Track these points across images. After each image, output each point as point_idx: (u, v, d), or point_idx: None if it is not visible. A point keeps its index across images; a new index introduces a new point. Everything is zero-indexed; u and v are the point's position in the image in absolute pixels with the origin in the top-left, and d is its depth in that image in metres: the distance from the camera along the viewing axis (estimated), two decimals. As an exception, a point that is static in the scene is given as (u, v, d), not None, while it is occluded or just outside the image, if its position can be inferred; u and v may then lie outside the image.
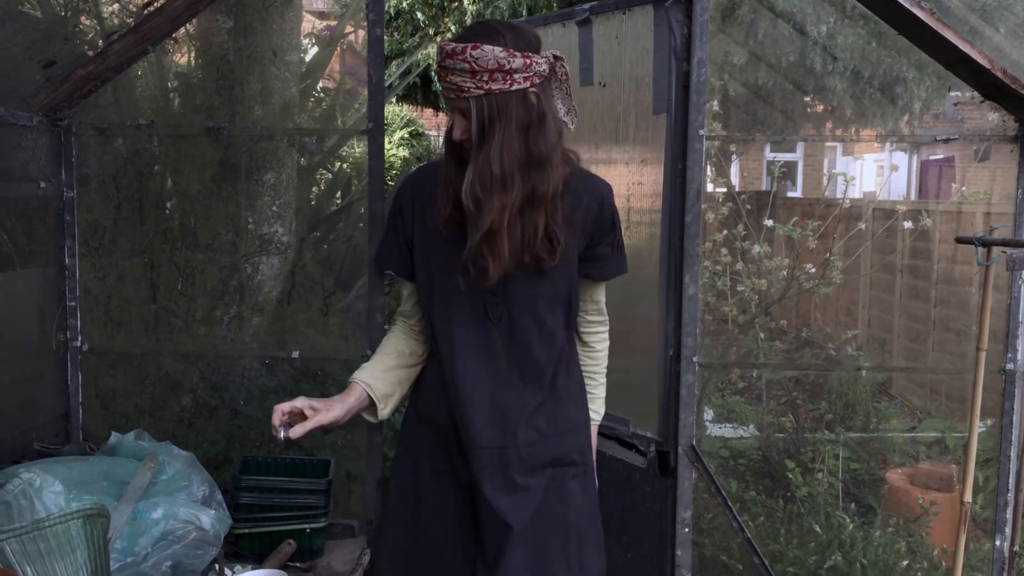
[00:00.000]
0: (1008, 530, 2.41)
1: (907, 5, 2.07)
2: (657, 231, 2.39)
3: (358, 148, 5.52)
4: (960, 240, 1.76)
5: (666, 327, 2.34)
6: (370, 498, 2.50)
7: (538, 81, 1.73)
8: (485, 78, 1.69)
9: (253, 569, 2.07)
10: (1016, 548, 2.10)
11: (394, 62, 8.44)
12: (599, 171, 2.06)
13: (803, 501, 4.06)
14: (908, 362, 6.38)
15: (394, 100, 10.49)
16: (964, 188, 6.74)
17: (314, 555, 2.22)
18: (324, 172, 4.98)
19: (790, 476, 4.18)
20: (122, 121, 2.38)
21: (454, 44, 1.71)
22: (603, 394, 2.03)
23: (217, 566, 2.00)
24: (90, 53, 2.21)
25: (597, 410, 2.01)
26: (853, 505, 3.96)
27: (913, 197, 13.56)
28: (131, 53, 2.19)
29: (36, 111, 2.19)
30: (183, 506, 2.05)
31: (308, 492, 2.22)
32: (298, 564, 2.17)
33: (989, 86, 2.17)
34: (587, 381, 1.99)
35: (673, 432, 2.40)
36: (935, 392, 5.89)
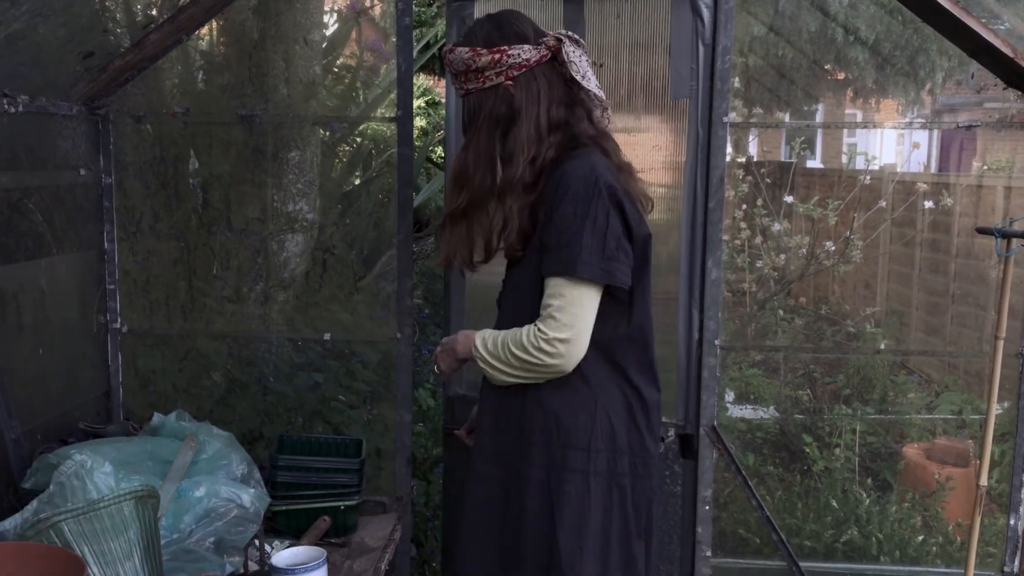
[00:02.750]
0: (1022, 509, 2.47)
1: (932, -6, 2.09)
2: (674, 219, 2.42)
3: (378, 123, 5.53)
4: (981, 231, 1.80)
5: (690, 311, 2.39)
6: (399, 475, 2.58)
7: (515, 73, 1.75)
8: (462, 79, 1.79)
9: (291, 545, 2.15)
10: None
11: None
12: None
13: (820, 476, 4.12)
14: (927, 335, 6.39)
15: (412, 70, 10.44)
16: (985, 166, 6.70)
17: (348, 531, 2.31)
18: (345, 147, 5.03)
19: (807, 450, 4.24)
20: (156, 108, 2.44)
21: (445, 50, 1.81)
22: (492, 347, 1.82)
23: (257, 541, 2.09)
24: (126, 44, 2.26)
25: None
26: (870, 480, 4.01)
27: (933, 169, 13.41)
28: (167, 43, 2.24)
29: (75, 101, 2.25)
30: (224, 484, 2.13)
31: (342, 471, 2.30)
32: (333, 540, 2.25)
33: (1012, 74, 2.19)
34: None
35: (695, 414, 2.45)
36: (952, 366, 5.91)
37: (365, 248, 4.62)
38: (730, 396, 3.56)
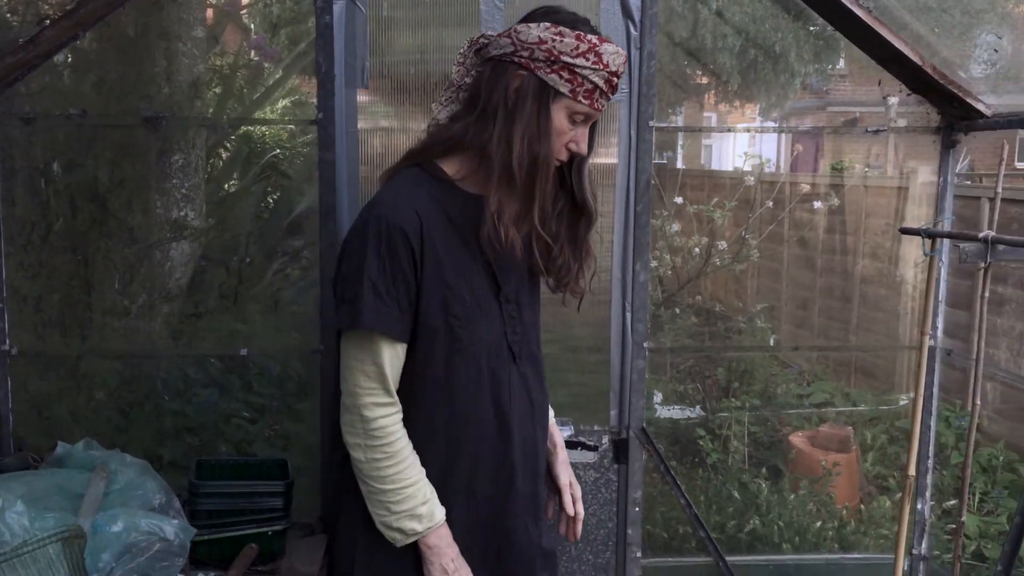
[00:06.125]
0: (928, 494, 2.61)
1: (847, 3, 2.17)
2: (607, 223, 2.43)
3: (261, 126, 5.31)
4: (905, 231, 1.89)
5: (623, 314, 2.40)
6: (326, 495, 2.46)
7: None
8: None
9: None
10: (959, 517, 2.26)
11: (283, 31, 8.12)
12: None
13: (715, 468, 4.25)
14: (796, 328, 6.72)
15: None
16: (832, 165, 7.11)
17: (275, 557, 2.18)
18: (221, 151, 4.80)
19: (701, 444, 4.37)
20: (48, 110, 2.23)
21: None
22: None
23: (184, 576, 1.94)
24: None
25: None
26: (764, 469, 4.18)
27: (783, 170, 14.14)
28: (62, 39, 2.04)
29: (-44, 101, 2.03)
30: (143, 516, 1.96)
31: (269, 495, 2.17)
32: (260, 568, 2.13)
33: (919, 81, 2.31)
34: None
35: (627, 417, 2.47)
36: (823, 357, 6.25)
37: (249, 256, 4.42)
38: (658, 397, 3.62)
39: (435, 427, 1.63)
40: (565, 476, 1.85)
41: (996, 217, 1.88)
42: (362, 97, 2.33)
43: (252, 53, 4.48)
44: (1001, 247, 1.65)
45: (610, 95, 1.58)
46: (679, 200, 4.46)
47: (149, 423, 3.03)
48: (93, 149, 2.65)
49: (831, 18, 2.31)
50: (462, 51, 1.67)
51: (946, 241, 2.21)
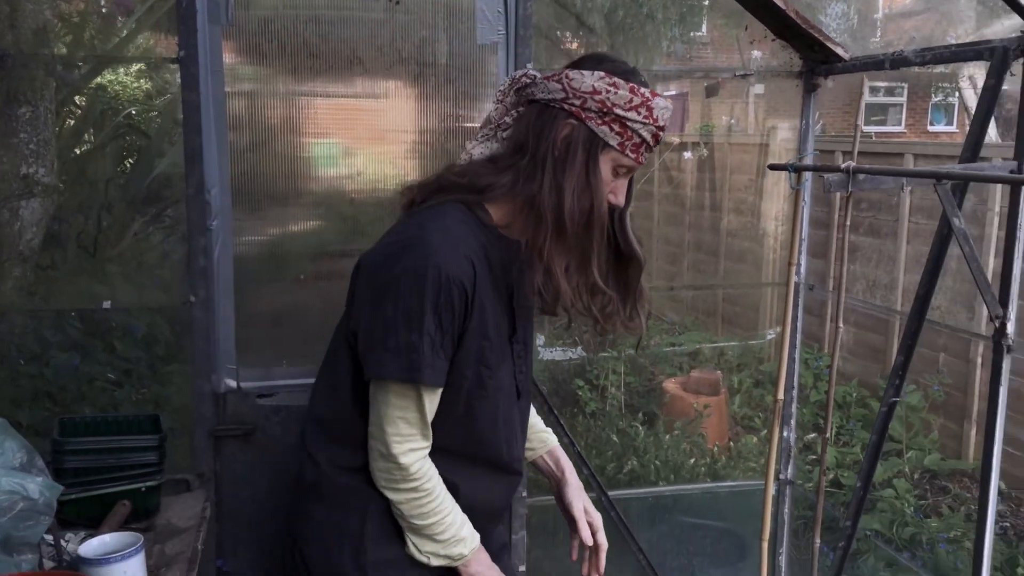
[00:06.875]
0: (793, 423, 2.76)
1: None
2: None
3: (114, 75, 5.03)
4: (773, 167, 1.96)
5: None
6: (200, 450, 2.38)
7: None
8: None
9: (88, 536, 1.92)
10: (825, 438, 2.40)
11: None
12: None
13: (594, 416, 4.37)
14: (668, 282, 6.94)
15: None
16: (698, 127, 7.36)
17: (150, 514, 2.10)
18: (72, 107, 4.53)
19: (580, 393, 4.47)
20: None
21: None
22: None
23: (51, 536, 1.84)
24: None
25: None
26: (640, 415, 4.32)
27: (652, 130, 14.55)
28: None
29: None
30: (3, 475, 1.84)
31: (141, 450, 2.08)
32: (135, 525, 2.03)
33: (782, 26, 2.40)
34: None
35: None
36: (692, 307, 6.49)
37: (109, 217, 4.20)
38: (540, 340, 3.66)
39: (448, 462, 1.62)
40: (579, 503, 1.82)
41: (856, 153, 1.98)
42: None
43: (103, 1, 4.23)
44: (861, 176, 1.74)
45: (653, 148, 1.57)
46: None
47: (3, 387, 2.85)
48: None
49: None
50: (502, 88, 1.64)
51: (809, 179, 2.32)
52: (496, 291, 1.59)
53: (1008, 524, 3.90)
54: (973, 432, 4.73)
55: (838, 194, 1.75)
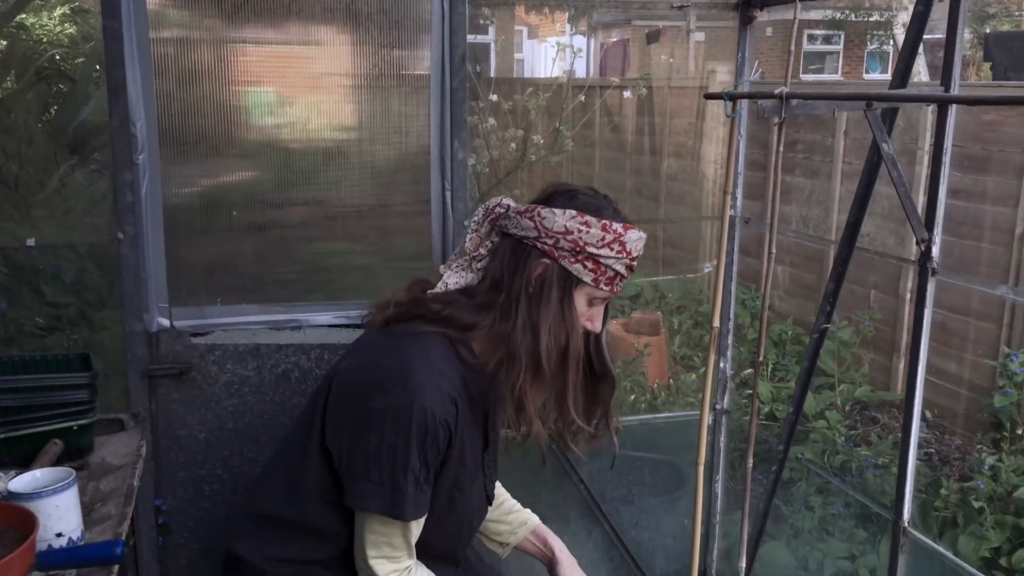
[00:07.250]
0: (729, 354, 2.82)
1: None
2: (423, 99, 2.38)
3: (36, 18, 4.85)
4: (709, 96, 1.97)
5: (443, 194, 2.38)
6: (135, 389, 2.34)
7: None
8: None
9: (21, 473, 1.88)
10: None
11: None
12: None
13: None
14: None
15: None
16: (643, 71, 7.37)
17: (83, 453, 2.06)
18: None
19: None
20: None
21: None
22: None
23: (-21, 476, 1.80)
24: None
25: None
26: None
27: (593, 76, 14.51)
28: None
29: None
30: (-74, 416, 1.80)
31: (72, 388, 2.03)
32: (68, 464, 2.00)
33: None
34: None
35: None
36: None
37: (27, 151, 4.08)
38: None
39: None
40: None
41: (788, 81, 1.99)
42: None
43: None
44: (794, 102, 1.76)
45: (628, 277, 1.58)
46: (494, 97, 4.47)
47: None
48: None
49: None
50: (476, 219, 1.62)
51: (744, 108, 2.34)
52: (473, 418, 1.62)
53: (933, 451, 4.06)
54: (902, 365, 4.89)
55: (774, 130, 1.77)
